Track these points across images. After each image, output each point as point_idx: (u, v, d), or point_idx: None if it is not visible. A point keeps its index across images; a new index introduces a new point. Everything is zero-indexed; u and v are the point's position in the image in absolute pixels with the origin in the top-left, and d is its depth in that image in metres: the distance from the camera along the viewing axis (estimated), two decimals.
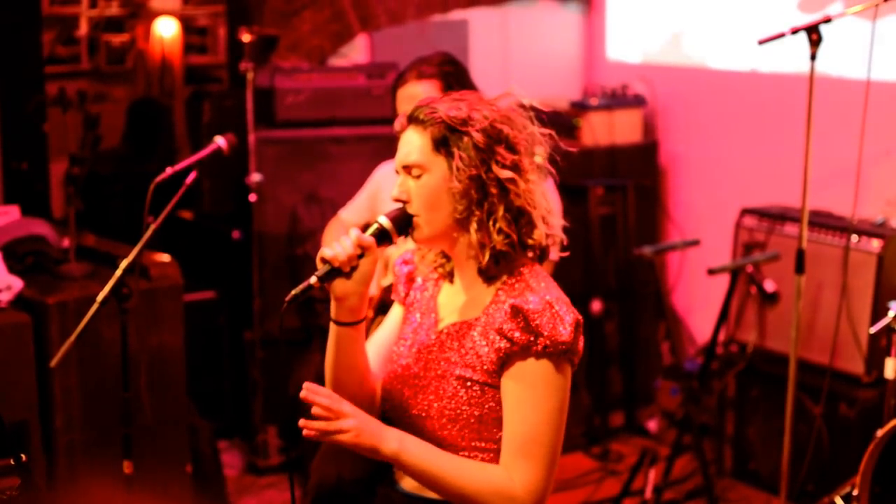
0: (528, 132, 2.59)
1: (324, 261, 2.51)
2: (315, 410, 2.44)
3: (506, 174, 2.51)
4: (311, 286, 2.48)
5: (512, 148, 2.54)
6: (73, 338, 3.68)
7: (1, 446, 2.34)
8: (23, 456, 2.37)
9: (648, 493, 5.13)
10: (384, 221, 2.57)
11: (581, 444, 5.93)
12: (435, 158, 2.53)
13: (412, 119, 2.58)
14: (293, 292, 2.48)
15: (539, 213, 2.56)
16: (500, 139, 2.53)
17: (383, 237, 2.56)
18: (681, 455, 5.32)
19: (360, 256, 2.51)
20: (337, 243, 2.51)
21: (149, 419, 4.51)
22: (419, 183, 2.55)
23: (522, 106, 2.62)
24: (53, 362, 3.81)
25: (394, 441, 2.50)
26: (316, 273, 2.50)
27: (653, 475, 5.17)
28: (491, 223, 2.52)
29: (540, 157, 2.64)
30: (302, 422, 2.44)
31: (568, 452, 5.59)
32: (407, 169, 2.57)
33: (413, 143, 2.56)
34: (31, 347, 4.33)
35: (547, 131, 2.64)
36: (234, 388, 5.87)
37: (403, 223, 2.58)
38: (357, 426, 2.45)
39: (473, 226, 2.53)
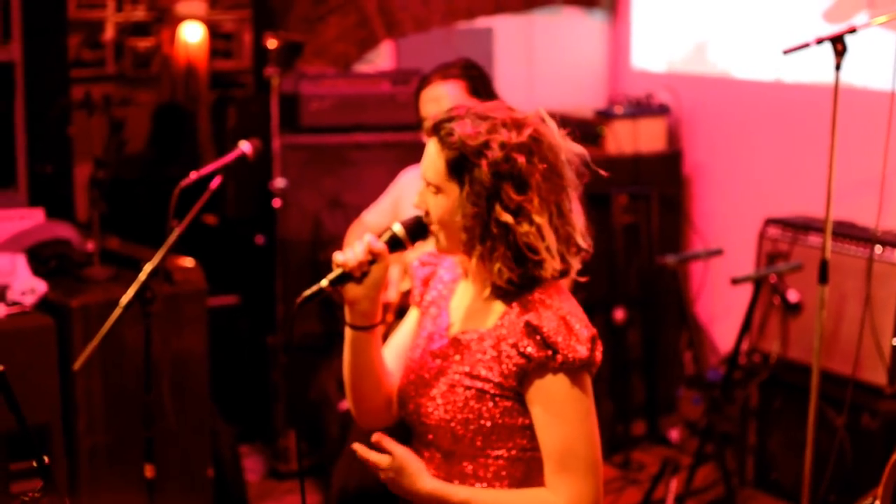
0: (549, 159, 2.49)
1: (337, 265, 2.52)
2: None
3: (506, 218, 2.44)
4: (322, 289, 2.50)
5: (522, 185, 2.45)
6: (96, 341, 3.69)
7: (23, 449, 2.35)
8: (45, 458, 2.38)
9: (670, 503, 5.12)
10: (398, 229, 2.57)
11: (602, 452, 5.90)
12: (448, 183, 2.50)
13: (435, 129, 2.53)
14: (304, 294, 2.50)
15: (549, 247, 2.47)
16: (511, 175, 2.44)
17: (396, 244, 2.56)
18: (703, 464, 5.31)
19: (372, 262, 2.51)
20: (349, 248, 2.51)
21: (171, 423, 4.53)
22: (436, 201, 2.53)
23: (553, 118, 2.54)
24: (76, 365, 3.83)
25: (434, 480, 2.52)
26: (328, 276, 2.51)
27: (674, 485, 5.16)
28: (492, 259, 2.48)
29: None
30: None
31: None
32: (427, 183, 2.56)
33: (432, 159, 2.53)
34: (55, 350, 4.35)
35: (579, 151, 2.55)
36: (256, 393, 5.88)
37: (417, 231, 2.57)
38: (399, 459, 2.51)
39: (475, 259, 2.51)
